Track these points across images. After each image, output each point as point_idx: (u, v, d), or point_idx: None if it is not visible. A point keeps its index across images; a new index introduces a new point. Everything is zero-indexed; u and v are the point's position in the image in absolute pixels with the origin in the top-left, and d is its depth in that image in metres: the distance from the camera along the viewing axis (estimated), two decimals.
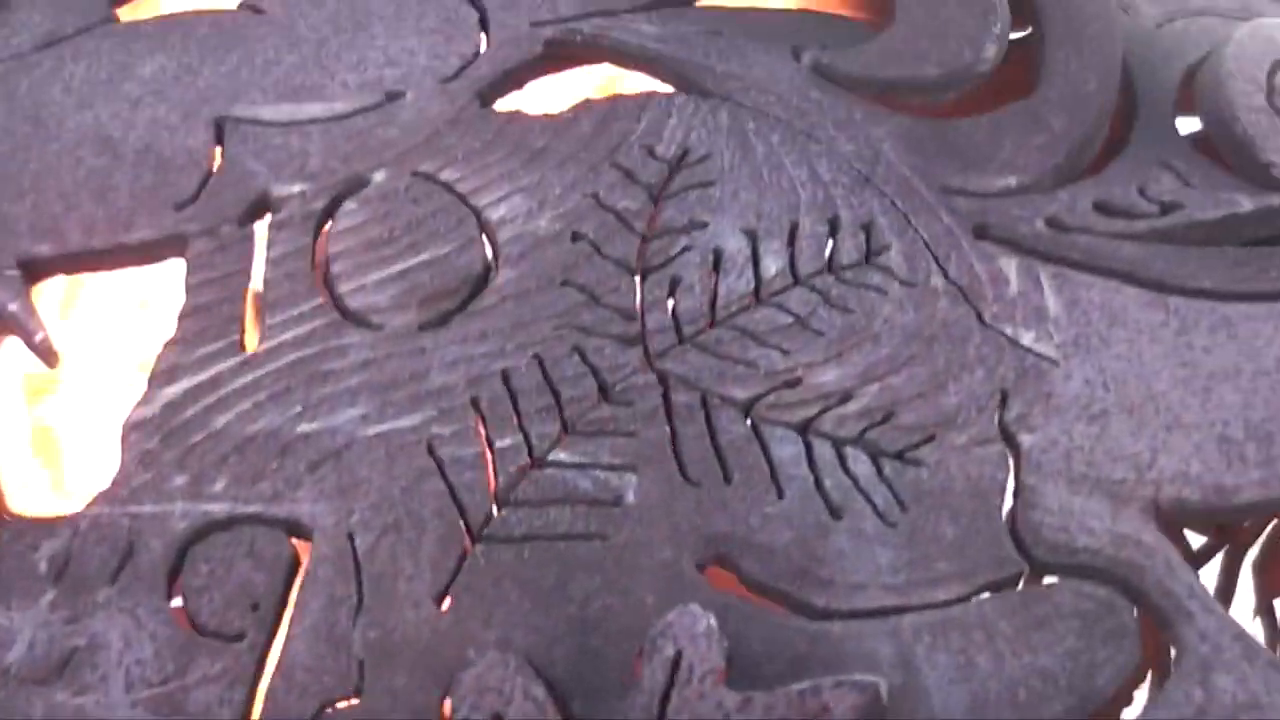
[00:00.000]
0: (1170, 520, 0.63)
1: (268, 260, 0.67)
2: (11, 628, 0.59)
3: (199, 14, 0.77)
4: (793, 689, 0.57)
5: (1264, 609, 0.90)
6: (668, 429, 0.63)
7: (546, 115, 0.72)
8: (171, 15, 0.77)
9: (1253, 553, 0.89)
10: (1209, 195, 0.71)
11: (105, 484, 0.62)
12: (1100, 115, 0.72)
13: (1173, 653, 0.61)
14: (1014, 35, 0.75)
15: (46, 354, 0.66)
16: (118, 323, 0.80)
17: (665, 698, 0.56)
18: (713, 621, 0.57)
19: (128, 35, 0.76)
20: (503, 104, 0.73)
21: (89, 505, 0.61)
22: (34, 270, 0.68)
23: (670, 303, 0.66)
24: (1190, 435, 0.64)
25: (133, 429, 0.63)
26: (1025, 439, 0.64)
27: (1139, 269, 0.68)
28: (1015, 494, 0.63)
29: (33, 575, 0.60)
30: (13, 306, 0.66)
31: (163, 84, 0.73)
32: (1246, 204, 0.71)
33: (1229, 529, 0.87)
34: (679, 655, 0.57)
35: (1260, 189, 0.72)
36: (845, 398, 0.64)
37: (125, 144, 0.71)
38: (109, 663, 0.58)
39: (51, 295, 0.75)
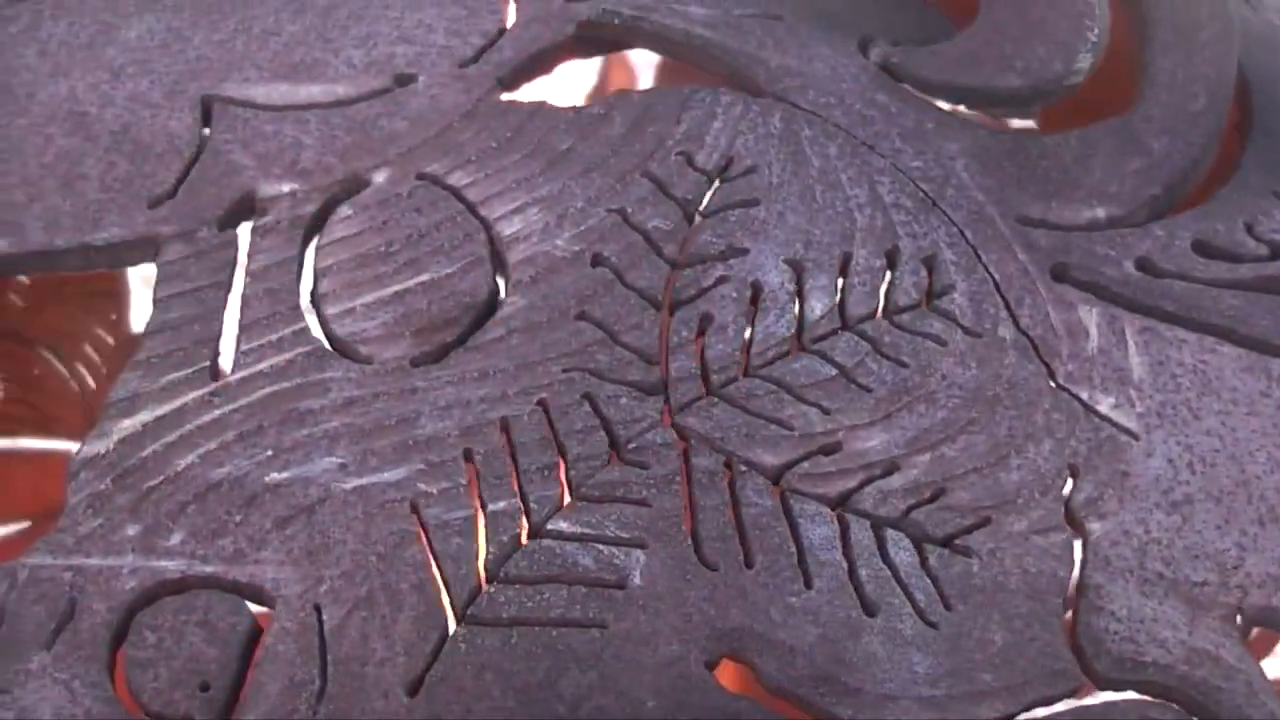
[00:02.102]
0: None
1: (248, 273, 0.59)
2: None
3: None
4: None
5: None
6: (684, 499, 0.55)
7: (574, 109, 0.63)
8: None
9: None
10: None
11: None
12: (1209, 137, 0.63)
13: None
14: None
15: None
16: None
17: None
18: None
19: None
20: (526, 92, 0.65)
21: (30, 552, 0.54)
22: None
23: (698, 345, 0.58)
24: None
25: (84, 465, 0.56)
26: (1095, 528, 0.55)
27: (1239, 324, 0.59)
28: (1079, 594, 0.54)
29: None
30: None
31: (148, 51, 0.65)
32: None
33: None
34: None
35: None
36: (890, 469, 0.56)
37: (101, 123, 0.63)
38: None
39: None
